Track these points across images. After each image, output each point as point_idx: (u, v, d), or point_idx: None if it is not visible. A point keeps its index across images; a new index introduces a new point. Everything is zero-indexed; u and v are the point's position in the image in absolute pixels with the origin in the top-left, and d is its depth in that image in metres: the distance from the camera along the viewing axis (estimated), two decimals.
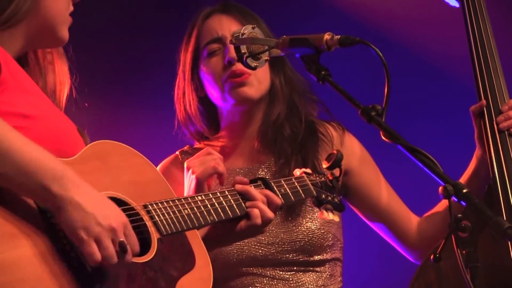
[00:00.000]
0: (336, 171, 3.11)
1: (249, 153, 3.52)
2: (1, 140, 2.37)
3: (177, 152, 3.54)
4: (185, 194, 3.09)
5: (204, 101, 3.52)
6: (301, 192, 3.06)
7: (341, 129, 3.55)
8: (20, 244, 2.39)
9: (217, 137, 3.56)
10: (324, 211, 3.07)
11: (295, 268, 3.39)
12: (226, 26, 3.43)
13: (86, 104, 3.04)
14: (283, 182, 3.05)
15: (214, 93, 3.46)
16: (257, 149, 3.51)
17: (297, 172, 3.14)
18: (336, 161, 3.06)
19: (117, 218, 2.47)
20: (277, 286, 3.37)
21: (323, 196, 3.10)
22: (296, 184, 3.07)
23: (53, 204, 2.42)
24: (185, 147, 3.56)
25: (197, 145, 3.56)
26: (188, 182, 3.11)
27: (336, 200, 3.12)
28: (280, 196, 2.99)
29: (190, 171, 3.08)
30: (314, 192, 3.08)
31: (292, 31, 2.99)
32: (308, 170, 3.15)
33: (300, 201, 3.13)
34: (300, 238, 3.38)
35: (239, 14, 3.48)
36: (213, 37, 3.45)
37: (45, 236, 2.45)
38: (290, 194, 3.04)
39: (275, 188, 3.00)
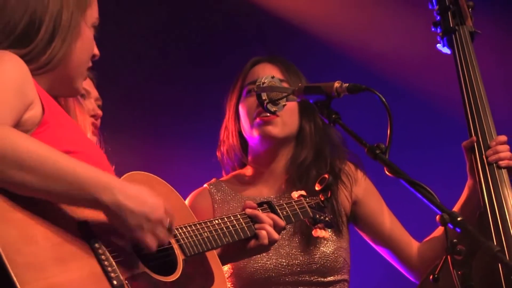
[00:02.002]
0: (327, 193, 3.10)
1: (274, 185, 3.52)
2: (55, 161, 2.38)
3: (206, 185, 3.54)
4: None
5: (241, 134, 3.53)
6: (300, 214, 3.07)
7: (355, 168, 3.55)
8: (68, 268, 2.39)
9: (245, 168, 3.57)
10: (318, 230, 3.09)
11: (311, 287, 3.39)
12: (268, 72, 3.40)
13: (110, 148, 3.02)
14: (285, 205, 3.06)
15: (245, 127, 3.48)
16: (282, 183, 3.51)
17: (295, 194, 3.14)
18: (327, 185, 3.08)
19: (160, 206, 2.51)
20: None
21: (317, 216, 3.11)
22: (296, 207, 3.08)
23: (107, 212, 2.45)
24: (213, 180, 3.56)
25: (223, 177, 3.58)
26: None
27: (327, 219, 3.13)
28: (282, 217, 3.01)
29: None
30: (311, 214, 3.09)
31: (316, 78, 3.04)
32: (304, 193, 3.15)
33: (298, 221, 3.13)
34: (316, 261, 3.38)
35: (281, 65, 3.51)
36: (254, 79, 3.44)
37: (91, 259, 2.45)
38: (291, 216, 3.05)
39: (279, 211, 3.02)
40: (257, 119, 3.43)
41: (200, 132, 3.82)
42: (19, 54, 2.60)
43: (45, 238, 2.38)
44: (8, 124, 2.41)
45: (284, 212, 3.04)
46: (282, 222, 2.99)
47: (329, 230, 3.20)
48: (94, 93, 3.49)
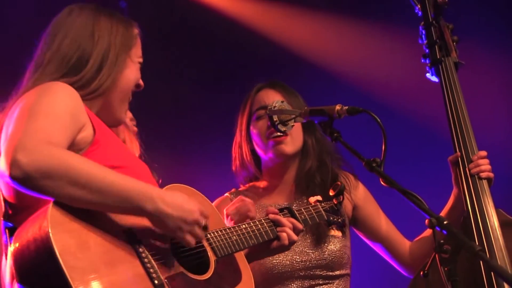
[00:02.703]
0: (340, 198, 3.11)
1: (287, 193, 3.52)
2: (104, 177, 2.40)
3: (227, 194, 3.55)
4: None
5: (253, 152, 3.54)
6: (316, 217, 3.08)
7: (354, 178, 3.55)
8: (116, 270, 2.41)
9: (260, 181, 3.57)
10: (332, 230, 3.12)
11: (320, 281, 3.39)
12: (271, 97, 3.43)
13: (156, 165, 3.00)
14: (303, 210, 3.06)
15: (259, 147, 3.49)
16: (293, 191, 3.52)
17: (312, 200, 3.15)
18: (340, 190, 3.09)
19: (195, 210, 2.54)
20: None
21: (331, 218, 3.11)
22: (312, 211, 3.09)
23: (151, 218, 2.47)
24: (233, 190, 3.57)
25: (241, 188, 3.58)
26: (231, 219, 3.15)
27: (340, 220, 3.14)
28: (300, 221, 3.02)
29: (229, 218, 3.13)
30: (325, 217, 3.10)
31: (314, 101, 3.07)
32: (320, 198, 3.16)
33: (314, 223, 3.12)
34: (325, 257, 3.39)
35: (282, 89, 3.51)
36: (261, 105, 3.47)
37: (135, 262, 2.47)
38: (308, 219, 3.06)
39: (298, 215, 3.03)
40: (270, 141, 3.44)
41: (216, 150, 3.82)
42: (70, 81, 2.64)
43: (97, 244, 2.40)
44: (63, 146, 2.44)
45: (302, 216, 3.04)
46: (300, 226, 3.00)
47: (341, 229, 3.19)
48: (129, 114, 3.52)
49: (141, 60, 2.84)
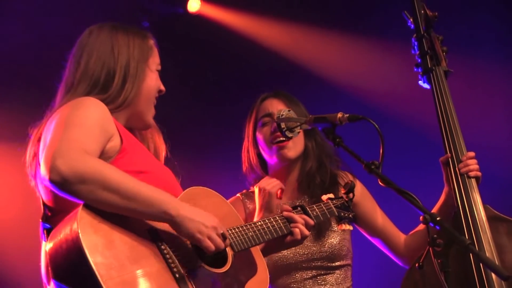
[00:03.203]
0: (350, 195, 3.11)
1: (290, 192, 3.51)
2: (132, 186, 2.43)
3: (238, 194, 3.55)
4: (257, 207, 3.15)
5: (260, 156, 3.53)
6: (327, 213, 3.05)
7: (352, 177, 3.54)
8: (140, 266, 2.43)
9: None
10: (342, 224, 3.09)
11: (322, 271, 3.38)
12: (275, 106, 3.44)
13: (176, 163, 3.00)
14: (315, 207, 3.04)
15: (264, 152, 3.48)
16: (296, 190, 3.51)
17: (325, 197, 3.13)
18: (350, 188, 3.09)
19: (214, 220, 2.54)
20: (309, 281, 3.37)
21: (342, 214, 3.09)
22: (324, 208, 3.06)
23: (173, 223, 2.48)
24: (244, 191, 3.57)
25: (251, 188, 3.57)
26: (261, 197, 3.14)
27: (350, 215, 3.11)
28: (313, 217, 3.00)
29: (263, 189, 3.12)
30: (336, 213, 3.08)
31: (317, 109, 3.06)
32: (332, 196, 3.14)
33: (326, 219, 3.11)
34: (325, 249, 3.38)
35: (285, 98, 3.51)
36: (266, 112, 3.47)
37: (158, 258, 2.48)
38: (320, 215, 3.03)
39: (310, 212, 3.01)
40: (274, 146, 3.42)
41: (229, 155, 3.82)
42: (101, 98, 2.66)
43: (122, 242, 2.42)
44: (96, 154, 2.48)
45: (314, 213, 3.01)
46: (311, 221, 2.97)
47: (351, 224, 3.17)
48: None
49: (159, 67, 2.85)
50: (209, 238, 2.51)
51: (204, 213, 2.54)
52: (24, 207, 2.73)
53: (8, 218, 4.93)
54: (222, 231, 2.55)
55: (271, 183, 3.11)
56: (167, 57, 2.94)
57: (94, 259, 2.32)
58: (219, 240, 2.53)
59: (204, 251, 2.53)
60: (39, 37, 4.98)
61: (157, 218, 2.49)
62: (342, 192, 3.12)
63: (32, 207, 2.71)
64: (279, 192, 3.12)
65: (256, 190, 3.15)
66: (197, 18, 5.65)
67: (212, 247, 2.51)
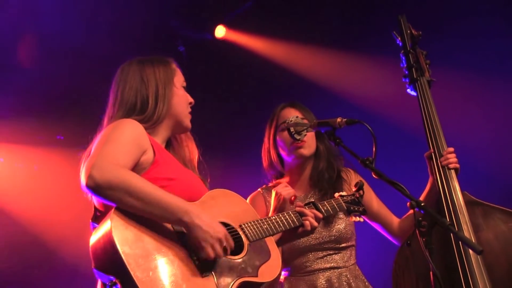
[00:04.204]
0: (360, 192, 3.09)
1: (304, 187, 3.47)
2: (154, 194, 2.43)
3: (259, 189, 3.50)
4: (272, 208, 3.10)
5: (279, 155, 3.49)
6: (336, 208, 3.00)
7: (354, 172, 3.51)
8: (165, 255, 2.42)
9: (283, 178, 3.52)
10: (353, 217, 3.05)
11: (331, 252, 3.35)
12: (292, 114, 3.39)
13: (205, 165, 3.01)
14: (325, 203, 2.99)
15: (284, 151, 3.45)
16: (308, 185, 3.47)
17: (336, 195, 3.10)
18: (360, 186, 3.09)
19: (221, 232, 2.50)
20: (319, 260, 3.33)
21: (352, 208, 3.05)
22: (334, 203, 3.01)
23: (186, 228, 2.47)
24: (263, 186, 3.52)
25: (270, 184, 3.54)
26: (276, 200, 3.08)
27: (361, 209, 3.07)
28: (323, 211, 2.95)
29: (279, 194, 3.07)
30: (345, 207, 3.03)
31: (322, 115, 3.04)
32: (343, 193, 3.11)
33: (336, 213, 3.06)
34: (334, 234, 3.35)
35: (299, 107, 3.47)
36: (284, 120, 3.42)
37: (180, 247, 2.47)
38: (330, 210, 2.98)
39: (320, 207, 2.95)
40: (292, 146, 3.39)
41: (249, 155, 3.81)
42: (140, 119, 2.68)
43: (149, 236, 2.42)
44: (128, 167, 2.48)
45: (325, 207, 2.96)
46: (320, 215, 2.92)
47: (362, 216, 3.13)
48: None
49: (184, 84, 2.85)
50: (212, 247, 2.46)
51: (215, 224, 2.50)
52: (84, 207, 2.74)
53: (69, 218, 4.94)
54: (224, 244, 2.50)
55: (286, 190, 3.06)
56: (198, 74, 2.94)
57: (123, 250, 2.32)
58: (220, 251, 2.48)
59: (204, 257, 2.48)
60: (90, 68, 5.01)
61: (173, 223, 2.48)
62: (354, 190, 3.10)
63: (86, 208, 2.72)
64: (292, 197, 3.08)
65: (273, 193, 3.11)
66: (223, 42, 5.70)
67: (212, 255, 2.47)
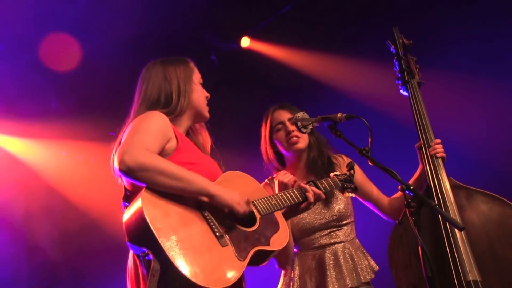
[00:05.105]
0: (352, 172, 3.03)
1: (301, 175, 3.39)
2: (181, 171, 2.41)
3: (266, 180, 3.39)
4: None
5: (276, 152, 3.42)
6: (332, 184, 2.94)
7: (346, 157, 3.43)
8: (190, 228, 2.40)
9: (285, 170, 3.40)
10: (346, 193, 2.99)
11: (334, 229, 3.27)
12: (284, 115, 3.35)
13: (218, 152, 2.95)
14: (323, 181, 2.94)
15: (282, 148, 3.38)
16: (305, 173, 3.39)
17: (331, 174, 3.04)
18: (351, 166, 3.02)
19: (237, 195, 2.50)
20: (325, 237, 3.27)
21: (345, 185, 2.99)
22: (330, 181, 2.95)
23: (211, 198, 2.45)
24: (269, 177, 3.40)
25: (274, 176, 3.39)
26: (280, 187, 3.02)
27: (352, 186, 3.01)
28: (322, 188, 2.90)
29: (281, 181, 3.01)
30: (340, 184, 2.97)
31: (326, 111, 2.96)
32: (338, 173, 3.05)
33: (332, 189, 2.97)
34: (335, 213, 3.27)
35: (288, 108, 3.40)
36: (278, 121, 3.36)
37: (203, 222, 2.45)
38: (327, 186, 2.92)
39: (319, 185, 2.91)
40: (289, 142, 3.32)
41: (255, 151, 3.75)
42: (165, 111, 2.65)
43: (175, 213, 2.40)
44: (155, 152, 2.46)
45: (323, 185, 2.92)
46: (317, 191, 2.86)
47: (354, 192, 3.06)
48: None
49: (201, 80, 2.81)
50: (239, 205, 2.48)
51: (231, 191, 2.50)
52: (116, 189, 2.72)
53: (103, 197, 4.93)
54: (246, 199, 2.50)
55: (286, 177, 3.01)
56: (225, 79, 2.90)
57: (154, 225, 2.30)
58: (245, 207, 2.50)
59: (236, 215, 2.48)
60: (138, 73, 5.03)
61: (200, 194, 2.46)
62: (345, 170, 3.04)
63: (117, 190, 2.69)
64: (292, 182, 3.02)
65: (276, 182, 3.06)
66: (248, 51, 5.71)
67: (241, 210, 2.48)
